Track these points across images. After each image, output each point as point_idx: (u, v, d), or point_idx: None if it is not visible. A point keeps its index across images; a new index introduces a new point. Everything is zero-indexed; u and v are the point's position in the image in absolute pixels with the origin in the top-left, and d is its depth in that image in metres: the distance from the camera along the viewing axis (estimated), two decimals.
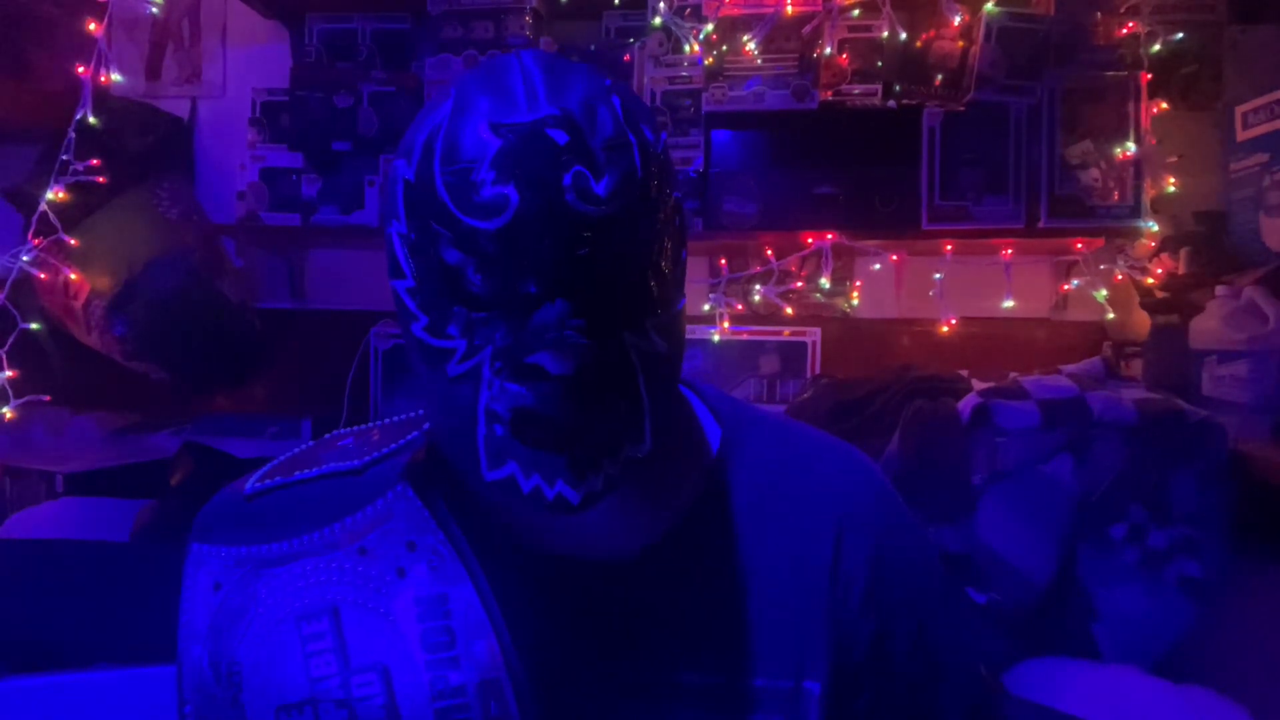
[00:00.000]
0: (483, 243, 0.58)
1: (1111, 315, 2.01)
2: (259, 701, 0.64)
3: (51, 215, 1.77)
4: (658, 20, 2.01)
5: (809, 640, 0.68)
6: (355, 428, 0.77)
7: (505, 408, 0.59)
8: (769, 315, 2.14)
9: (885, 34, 1.92)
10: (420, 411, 0.75)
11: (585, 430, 0.59)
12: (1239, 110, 1.84)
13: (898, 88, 1.95)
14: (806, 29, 1.98)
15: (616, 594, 0.69)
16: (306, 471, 0.70)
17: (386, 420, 0.76)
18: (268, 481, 0.71)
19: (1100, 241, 1.97)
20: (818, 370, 2.11)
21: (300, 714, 0.63)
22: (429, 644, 0.63)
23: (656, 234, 0.62)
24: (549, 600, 0.68)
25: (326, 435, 0.77)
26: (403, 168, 0.62)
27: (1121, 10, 1.96)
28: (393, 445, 0.71)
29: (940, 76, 1.94)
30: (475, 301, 0.60)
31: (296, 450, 0.75)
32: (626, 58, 2.11)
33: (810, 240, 1.99)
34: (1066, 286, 2.08)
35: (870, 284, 2.14)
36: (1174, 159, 1.97)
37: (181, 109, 2.36)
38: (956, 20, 1.90)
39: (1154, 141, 1.93)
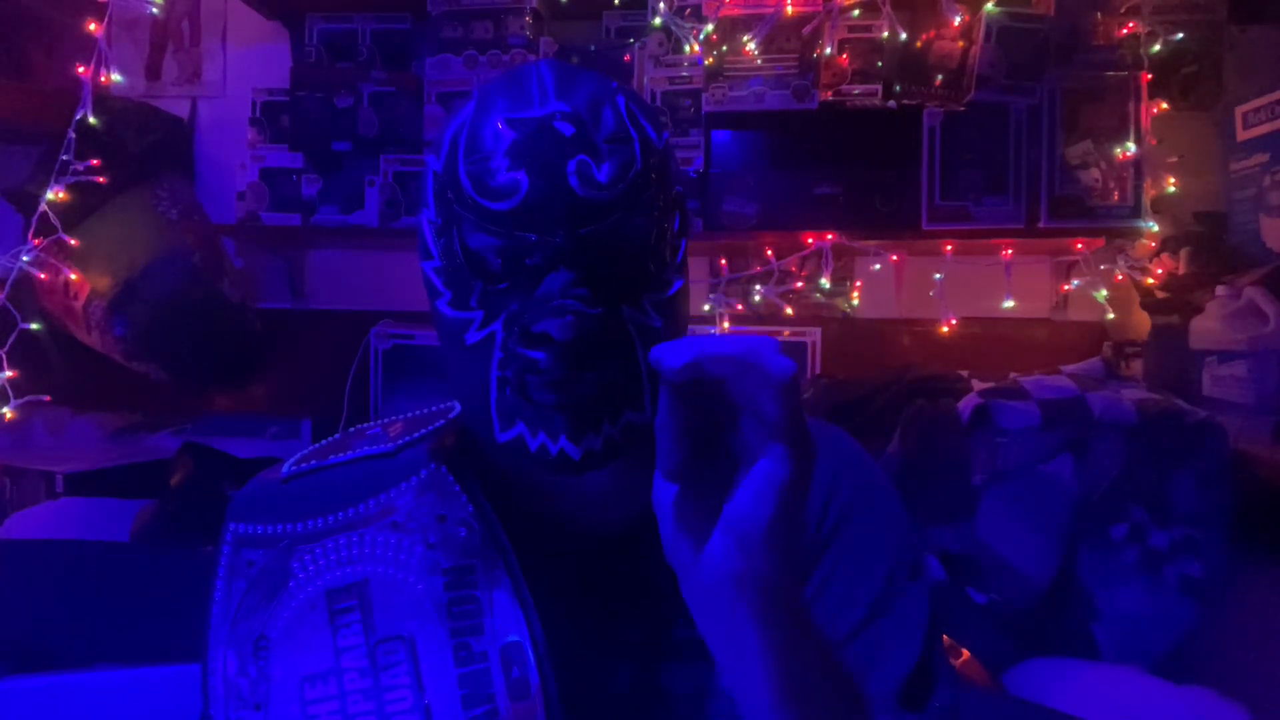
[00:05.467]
0: (498, 222, 0.65)
1: (1111, 315, 2.01)
2: (285, 673, 0.66)
3: (51, 215, 1.77)
4: (658, 20, 2.01)
5: None
6: (380, 420, 0.81)
7: (514, 371, 0.65)
8: (769, 315, 2.14)
9: (885, 34, 1.92)
10: (443, 405, 0.80)
11: (586, 391, 0.64)
12: (1239, 110, 1.84)
13: (898, 88, 1.95)
14: (806, 29, 1.98)
15: (617, 562, 0.73)
16: (340, 456, 0.74)
17: (410, 413, 0.80)
18: (303, 465, 0.74)
19: (1100, 241, 1.97)
20: (818, 370, 2.11)
21: (325, 683, 0.65)
22: (455, 613, 0.66)
23: (655, 220, 0.68)
24: (562, 571, 0.72)
25: (351, 429, 0.80)
26: (433, 161, 0.70)
27: (1121, 10, 1.96)
28: (424, 430, 0.75)
29: (940, 76, 1.94)
30: (492, 276, 0.67)
31: (326, 440, 0.79)
32: (626, 58, 2.11)
33: (810, 240, 1.99)
34: (1066, 286, 2.08)
35: (870, 284, 2.14)
36: (1174, 159, 1.97)
37: (181, 109, 2.36)
38: (956, 20, 1.90)
39: (1154, 141, 1.93)
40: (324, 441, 0.78)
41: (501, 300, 0.66)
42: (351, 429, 0.80)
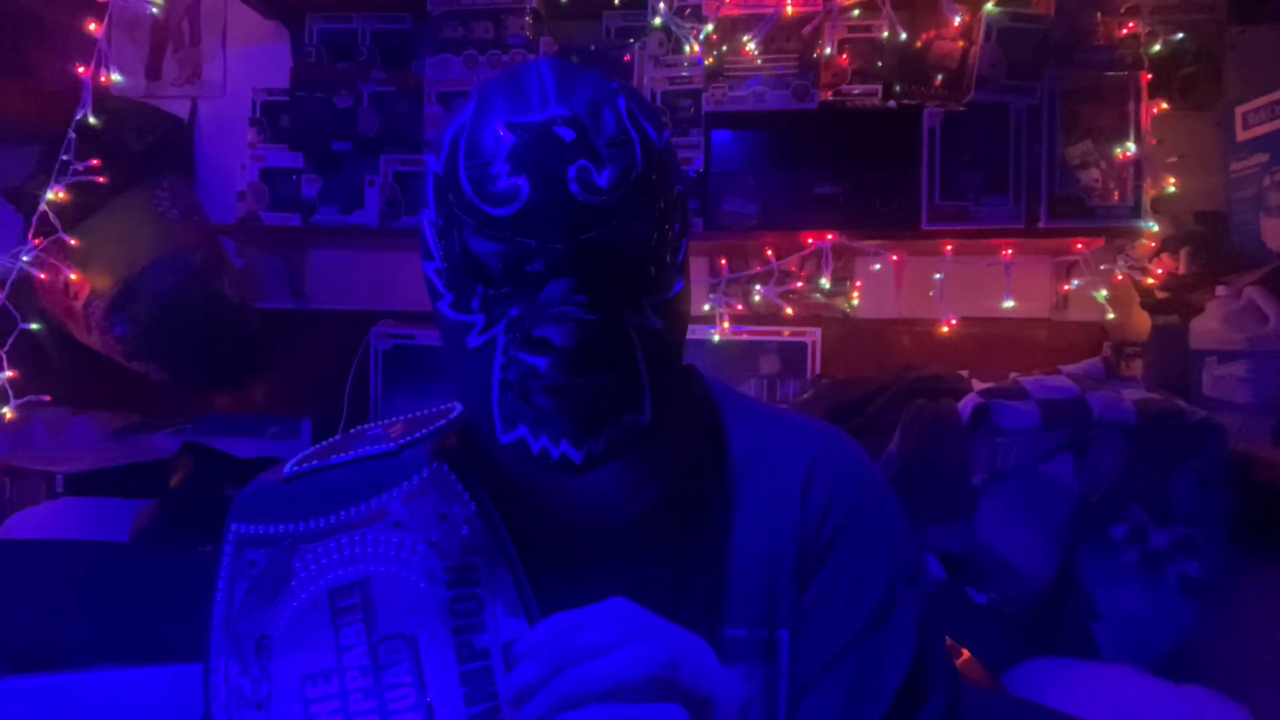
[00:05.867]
0: (499, 227, 0.65)
1: (1111, 315, 2.01)
2: (287, 672, 0.66)
3: (51, 215, 1.77)
4: (658, 20, 2.01)
5: (781, 587, 0.73)
6: (381, 421, 0.81)
7: (516, 375, 0.65)
8: (769, 315, 2.14)
9: (885, 34, 1.92)
10: (444, 405, 0.80)
11: (586, 396, 0.65)
12: (1239, 110, 1.84)
13: (898, 88, 1.95)
14: (806, 29, 1.98)
15: (620, 561, 0.73)
16: (342, 456, 0.74)
17: (411, 414, 0.80)
18: (305, 466, 0.75)
19: (1100, 241, 1.97)
20: (818, 370, 2.11)
21: (326, 681, 0.66)
22: (457, 611, 0.66)
23: (656, 222, 0.68)
24: (565, 569, 0.71)
25: (353, 430, 0.81)
26: (433, 162, 0.70)
27: (1121, 10, 1.96)
28: (425, 430, 0.75)
29: (940, 76, 1.94)
30: (493, 280, 0.67)
31: (328, 442, 0.79)
32: (626, 58, 2.11)
33: (810, 240, 1.99)
34: (1066, 286, 2.08)
35: (870, 284, 2.14)
36: (1174, 159, 1.97)
37: (181, 109, 2.36)
38: (956, 20, 1.90)
39: (1154, 141, 1.93)
40: (325, 443, 0.79)
41: (503, 305, 0.66)
42: (353, 430, 0.80)
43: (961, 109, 1.95)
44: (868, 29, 1.97)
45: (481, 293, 0.67)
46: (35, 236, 1.79)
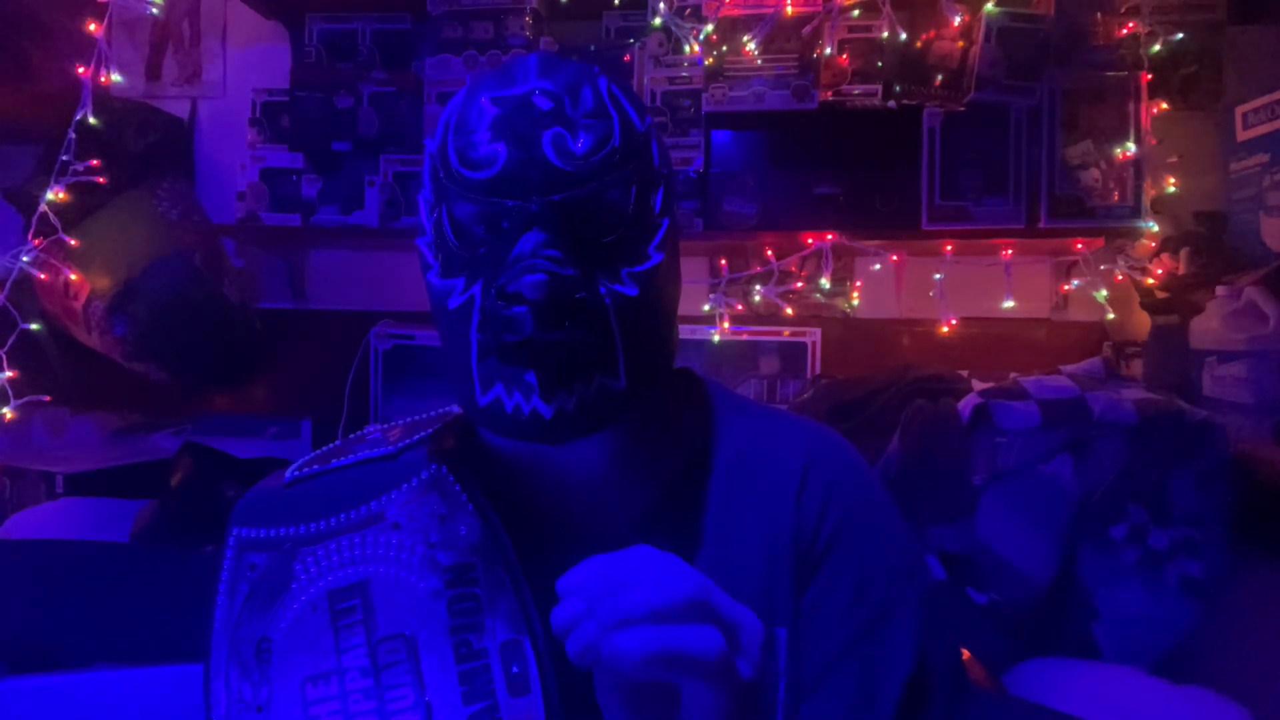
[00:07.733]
0: (479, 190, 0.68)
1: (1111, 315, 2.01)
2: (287, 674, 0.66)
3: (51, 215, 1.77)
4: (658, 20, 2.01)
5: (778, 586, 0.74)
6: (380, 424, 0.82)
7: (492, 332, 0.67)
8: (769, 315, 2.14)
9: (885, 34, 1.92)
10: (443, 409, 0.80)
11: (555, 350, 0.65)
12: (1239, 110, 1.84)
13: (898, 88, 1.95)
14: (806, 29, 1.98)
15: None
16: (342, 460, 0.75)
17: (410, 417, 0.80)
18: (305, 470, 0.75)
19: (1100, 241, 1.97)
20: (818, 370, 2.11)
21: (326, 683, 0.66)
22: (455, 610, 0.67)
23: (633, 197, 0.70)
24: (563, 569, 0.71)
25: (352, 434, 0.81)
26: (430, 144, 0.75)
27: (1121, 10, 1.96)
28: (424, 433, 0.76)
29: (940, 76, 1.94)
30: (473, 243, 0.70)
31: (328, 446, 0.80)
32: (626, 58, 2.11)
33: (810, 240, 1.99)
34: (1066, 286, 2.08)
35: (870, 284, 2.14)
36: (1174, 159, 1.97)
37: (181, 109, 2.36)
38: (956, 20, 1.90)
39: (1154, 141, 1.93)
40: (326, 447, 0.79)
41: (481, 265, 0.68)
42: (352, 434, 0.81)
43: (961, 109, 1.95)
44: (868, 29, 1.97)
45: (463, 257, 0.69)
46: (35, 236, 1.79)
